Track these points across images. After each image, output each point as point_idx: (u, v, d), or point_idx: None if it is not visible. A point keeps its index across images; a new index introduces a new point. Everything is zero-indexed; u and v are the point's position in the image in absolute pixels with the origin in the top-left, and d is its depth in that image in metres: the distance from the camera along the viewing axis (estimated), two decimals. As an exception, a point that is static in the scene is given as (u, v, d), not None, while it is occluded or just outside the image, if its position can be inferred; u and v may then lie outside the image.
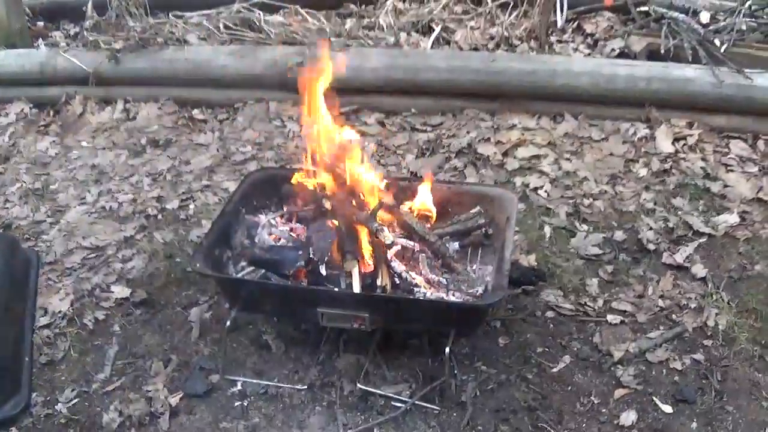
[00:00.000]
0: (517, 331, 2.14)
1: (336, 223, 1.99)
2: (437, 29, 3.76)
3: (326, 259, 1.94)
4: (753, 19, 3.53)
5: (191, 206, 2.86)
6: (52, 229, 2.69)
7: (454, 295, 1.95)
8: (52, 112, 3.50)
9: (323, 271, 1.94)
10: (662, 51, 3.46)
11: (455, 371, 1.98)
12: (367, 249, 1.97)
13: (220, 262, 2.03)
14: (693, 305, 2.20)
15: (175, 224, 2.76)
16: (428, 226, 2.17)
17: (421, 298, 1.91)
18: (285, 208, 2.26)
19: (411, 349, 2.06)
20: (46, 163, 3.19)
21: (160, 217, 2.81)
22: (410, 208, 2.19)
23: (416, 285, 1.95)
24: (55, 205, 2.86)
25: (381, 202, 2.01)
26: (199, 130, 3.40)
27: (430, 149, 3.07)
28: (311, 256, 1.95)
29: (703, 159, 2.93)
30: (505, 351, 2.07)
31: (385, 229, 1.98)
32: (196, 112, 3.45)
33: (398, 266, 1.99)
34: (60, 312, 2.26)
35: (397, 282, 1.96)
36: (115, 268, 2.46)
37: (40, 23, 4.36)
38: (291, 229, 2.18)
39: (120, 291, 2.36)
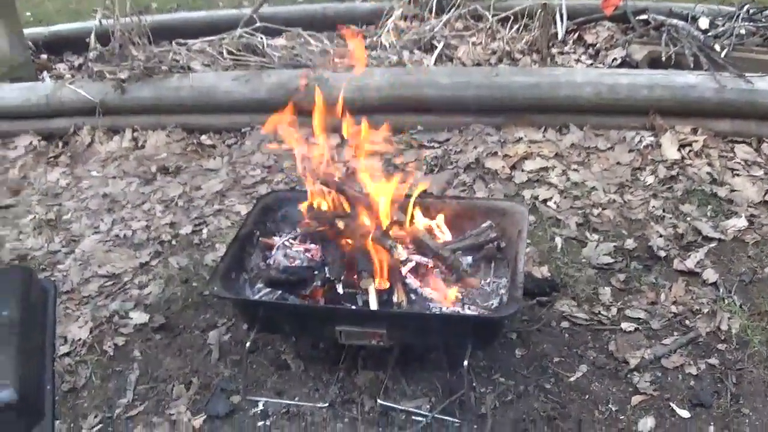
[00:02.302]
0: (533, 342, 2.17)
1: (350, 242, 2.03)
2: (439, 46, 3.85)
3: (342, 277, 1.98)
4: (752, 23, 3.62)
5: (204, 231, 2.92)
6: (68, 259, 2.74)
7: (469, 308, 1.98)
8: (60, 144, 3.56)
9: (340, 289, 1.98)
10: (663, 59, 3.55)
11: (474, 384, 2.01)
12: (382, 266, 2.00)
13: (236, 285, 2.06)
14: (705, 310, 2.23)
15: (190, 249, 2.81)
16: (441, 241, 2.22)
17: (436, 312, 1.94)
18: (299, 230, 2.30)
19: (429, 364, 2.09)
20: (58, 194, 3.24)
21: (174, 242, 2.87)
22: (423, 225, 2.25)
23: (432, 300, 1.99)
24: (70, 235, 2.91)
25: (393, 219, 2.06)
26: (208, 156, 3.46)
27: (438, 165, 3.11)
28: (327, 275, 2.00)
29: (709, 164, 2.97)
30: (523, 362, 2.10)
31: (399, 246, 2.00)
32: (204, 138, 3.51)
33: (413, 282, 2.02)
34: (80, 339, 2.30)
35: (413, 298, 1.99)
36: (132, 295, 2.50)
37: (44, 56, 4.49)
38: (306, 250, 2.22)
39: (138, 317, 2.38)
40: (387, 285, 1.98)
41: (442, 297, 1.98)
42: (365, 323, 1.88)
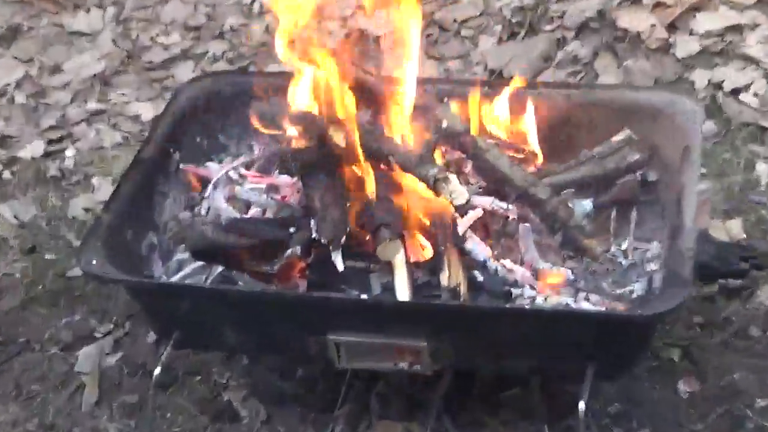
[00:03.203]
0: (713, 367, 2.16)
1: (358, 171, 2.01)
2: None
3: (342, 240, 1.95)
4: None
5: (69, 153, 2.90)
6: None
7: (588, 299, 1.97)
8: None
9: (338, 263, 1.95)
10: None
11: (598, 448, 1.97)
12: (418, 219, 2.00)
13: (134, 256, 2.09)
14: None
15: (40, 187, 2.80)
16: (533, 170, 2.17)
17: (526, 307, 1.93)
18: (257, 150, 2.29)
19: (510, 407, 2.09)
20: None
21: (7, 174, 2.85)
22: (496, 138, 2.20)
23: (515, 284, 1.98)
24: None
25: (441, 127, 2.01)
26: (75, 6, 3.41)
27: (527, 24, 3.11)
28: (313, 236, 1.97)
29: None
30: (693, 406, 2.09)
31: (452, 177, 1.96)
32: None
33: (479, 249, 2.01)
34: None
35: (479, 279, 1.98)
36: None
37: None
38: (271, 188, 2.20)
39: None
40: (429, 254, 1.99)
41: (535, 278, 1.99)
42: (386, 328, 1.88)
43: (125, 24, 3.25)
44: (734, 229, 2.43)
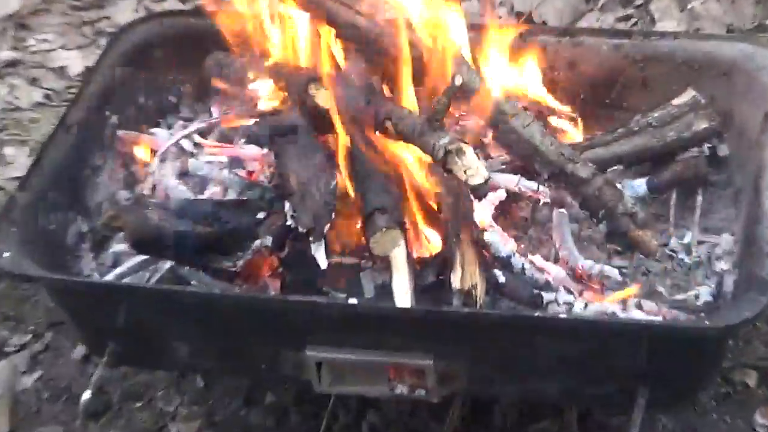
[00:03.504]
0: None
1: (347, 142, 2.01)
2: None
3: (325, 229, 1.95)
4: None
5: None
6: None
7: (640, 306, 1.97)
8: None
9: (320, 257, 1.93)
10: None
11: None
12: (423, 201, 1.98)
13: (58, 247, 2.08)
14: None
15: None
16: (571, 142, 2.14)
17: (561, 317, 1.92)
18: (217, 113, 2.28)
19: None
20: None
21: None
22: (524, 99, 2.17)
23: (547, 286, 1.98)
24: None
25: (453, 85, 1.95)
26: None
27: None
28: (288, 223, 1.96)
29: None
30: None
31: (468, 149, 1.90)
32: None
33: (502, 242, 1.99)
34: None
35: (502, 281, 1.96)
36: None
37: None
38: (234, 161, 2.18)
39: None
40: (436, 248, 1.98)
41: (573, 279, 1.99)
42: (380, 342, 1.87)
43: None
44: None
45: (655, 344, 1.86)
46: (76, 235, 2.13)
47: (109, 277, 2.08)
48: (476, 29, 2.27)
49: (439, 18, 2.12)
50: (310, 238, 1.95)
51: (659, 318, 1.95)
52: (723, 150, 2.19)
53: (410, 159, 2.03)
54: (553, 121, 2.21)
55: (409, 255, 1.96)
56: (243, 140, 2.21)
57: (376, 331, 1.90)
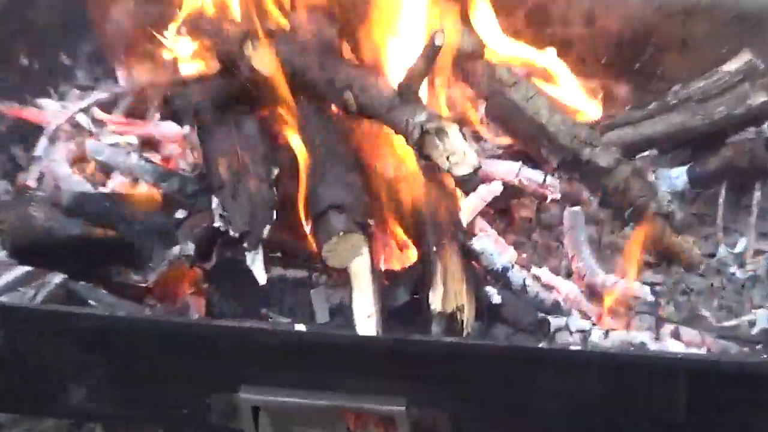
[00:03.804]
0: None
1: (293, 120, 1.85)
2: None
3: (264, 233, 1.81)
4: None
5: None
6: None
7: (677, 336, 1.88)
8: None
9: (257, 270, 1.82)
10: None
11: None
12: (394, 198, 1.83)
13: None
14: None
15: None
16: (588, 120, 2.01)
17: (574, 348, 1.80)
18: (124, 80, 2.15)
19: None
20: None
21: None
22: (527, 65, 2.06)
23: (556, 308, 1.84)
24: None
25: (433, 45, 1.81)
26: None
27: None
28: (217, 224, 1.84)
29: None
30: None
31: (453, 128, 1.78)
32: None
33: (496, 251, 1.84)
34: None
35: (497, 300, 1.82)
36: None
37: None
38: (146, 142, 2.05)
39: None
40: (411, 258, 1.85)
41: (590, 299, 1.86)
42: (337, 381, 1.70)
43: None
44: None
45: (696, 383, 1.63)
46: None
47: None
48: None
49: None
50: (245, 245, 1.77)
51: (702, 350, 1.78)
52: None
53: (377, 141, 1.87)
54: (564, 92, 2.05)
55: (374, 267, 1.79)
56: (158, 115, 2.05)
57: (331, 366, 1.68)
